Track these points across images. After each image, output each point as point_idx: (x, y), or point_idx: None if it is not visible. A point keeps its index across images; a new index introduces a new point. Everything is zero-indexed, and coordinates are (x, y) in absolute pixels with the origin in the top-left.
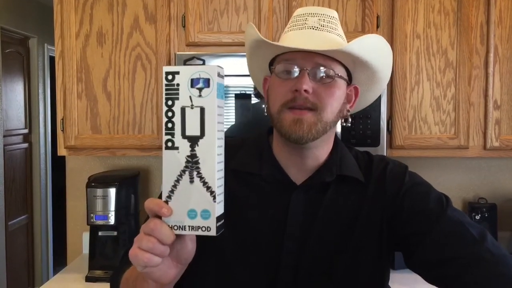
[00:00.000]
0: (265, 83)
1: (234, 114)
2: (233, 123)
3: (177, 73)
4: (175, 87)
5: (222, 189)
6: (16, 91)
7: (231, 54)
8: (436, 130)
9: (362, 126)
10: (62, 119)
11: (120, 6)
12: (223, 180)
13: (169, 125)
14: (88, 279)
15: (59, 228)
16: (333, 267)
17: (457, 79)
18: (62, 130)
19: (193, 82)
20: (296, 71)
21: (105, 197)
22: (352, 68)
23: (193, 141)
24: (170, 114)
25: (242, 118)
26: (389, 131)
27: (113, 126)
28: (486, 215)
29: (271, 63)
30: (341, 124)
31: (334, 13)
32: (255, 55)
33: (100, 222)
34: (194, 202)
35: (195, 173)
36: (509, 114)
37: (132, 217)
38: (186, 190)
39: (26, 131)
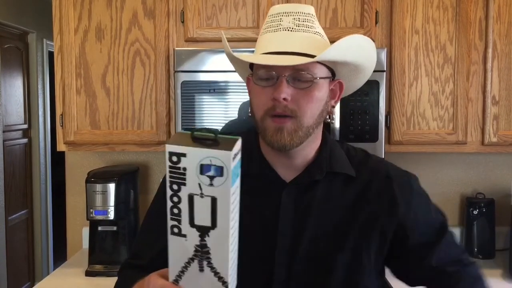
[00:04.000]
0: (248, 82)
1: (233, 108)
2: (234, 118)
3: (183, 155)
4: (181, 171)
5: (235, 275)
6: (15, 86)
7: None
8: (434, 125)
9: (360, 121)
10: (61, 114)
11: (119, 1)
12: (236, 262)
13: (175, 210)
14: (88, 273)
15: (59, 223)
16: (329, 266)
17: (455, 75)
18: (62, 126)
19: (203, 169)
20: (274, 77)
21: (105, 192)
22: (333, 66)
23: (203, 231)
24: (175, 199)
25: (243, 113)
26: (388, 126)
27: (112, 122)
28: (484, 210)
29: (251, 64)
30: (324, 121)
31: (310, 9)
32: (234, 59)
33: (99, 217)
34: None
35: (205, 262)
36: (507, 110)
37: (131, 212)
38: (195, 277)
39: (25, 126)
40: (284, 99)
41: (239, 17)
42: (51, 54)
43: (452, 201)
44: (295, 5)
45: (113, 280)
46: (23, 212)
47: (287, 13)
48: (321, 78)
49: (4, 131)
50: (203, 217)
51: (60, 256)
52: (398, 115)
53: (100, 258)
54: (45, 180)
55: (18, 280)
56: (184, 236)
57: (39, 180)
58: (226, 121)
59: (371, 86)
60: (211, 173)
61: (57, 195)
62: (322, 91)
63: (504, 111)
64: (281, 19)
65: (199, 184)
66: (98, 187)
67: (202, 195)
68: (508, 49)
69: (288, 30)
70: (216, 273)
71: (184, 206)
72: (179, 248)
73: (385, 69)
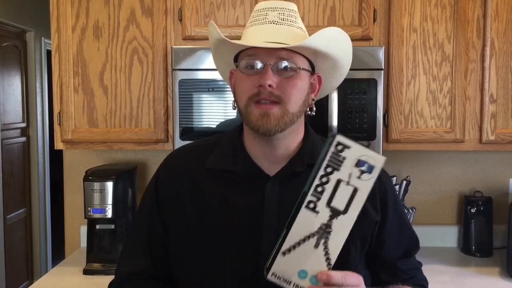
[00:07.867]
0: (232, 76)
1: (231, 107)
2: (233, 117)
3: (348, 147)
4: (340, 159)
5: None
6: (14, 85)
7: None
8: (432, 123)
9: (358, 119)
10: (59, 113)
11: None
12: None
13: (319, 189)
14: (86, 272)
15: (57, 222)
16: None
17: (453, 73)
18: (59, 124)
19: (359, 163)
20: (259, 66)
21: (103, 191)
22: (313, 59)
23: (335, 213)
24: (324, 179)
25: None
26: (386, 124)
27: (110, 120)
28: (482, 209)
29: (236, 58)
30: (305, 113)
31: (294, 6)
32: (219, 51)
33: (97, 216)
34: (310, 265)
35: (322, 241)
36: (504, 108)
37: (129, 211)
38: (307, 252)
39: (23, 125)
40: (270, 85)
41: (237, 15)
42: (49, 53)
43: (450, 200)
44: (279, 1)
45: (111, 278)
46: (21, 210)
47: (273, 8)
48: (303, 69)
49: (2, 130)
50: (340, 201)
51: (58, 254)
52: (396, 114)
53: (98, 257)
54: (43, 179)
55: (17, 278)
56: (317, 212)
57: (37, 178)
58: (224, 120)
59: (369, 84)
60: (363, 168)
61: (55, 193)
62: (304, 82)
63: (502, 109)
64: (266, 13)
65: (350, 174)
66: (96, 185)
67: (348, 183)
68: (506, 47)
69: (274, 23)
70: (326, 253)
71: (329, 187)
72: (306, 222)
73: (383, 68)
